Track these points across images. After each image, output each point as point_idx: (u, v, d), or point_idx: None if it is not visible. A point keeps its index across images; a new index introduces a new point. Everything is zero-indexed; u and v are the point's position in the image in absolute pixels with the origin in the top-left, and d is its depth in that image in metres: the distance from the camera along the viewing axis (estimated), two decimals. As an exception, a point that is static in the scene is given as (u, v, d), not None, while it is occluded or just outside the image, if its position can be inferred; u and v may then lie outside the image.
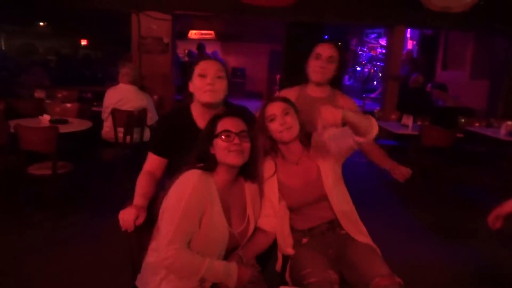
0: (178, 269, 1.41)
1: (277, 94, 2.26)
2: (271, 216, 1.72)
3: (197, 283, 1.46)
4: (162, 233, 1.43)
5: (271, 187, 1.75)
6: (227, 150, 1.50)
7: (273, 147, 1.79)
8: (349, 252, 1.68)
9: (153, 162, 1.87)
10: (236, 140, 1.50)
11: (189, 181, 1.47)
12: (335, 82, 2.24)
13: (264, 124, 1.75)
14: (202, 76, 1.78)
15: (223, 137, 1.51)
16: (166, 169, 1.90)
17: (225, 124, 1.54)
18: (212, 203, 1.49)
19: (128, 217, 1.62)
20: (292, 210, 1.80)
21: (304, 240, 1.77)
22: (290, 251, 1.72)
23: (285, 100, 1.79)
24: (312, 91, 2.24)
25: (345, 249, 1.71)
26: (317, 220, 1.77)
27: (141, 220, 1.63)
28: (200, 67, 1.80)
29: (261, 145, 1.74)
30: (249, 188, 1.67)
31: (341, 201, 1.76)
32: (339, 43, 2.19)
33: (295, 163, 1.79)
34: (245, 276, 1.46)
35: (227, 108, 1.89)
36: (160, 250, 1.41)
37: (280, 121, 1.71)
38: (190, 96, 1.87)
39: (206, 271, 1.40)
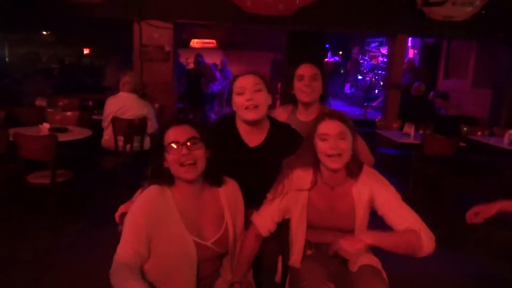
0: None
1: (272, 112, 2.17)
2: (276, 223, 1.67)
3: None
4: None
5: (298, 199, 1.63)
6: (178, 163, 1.41)
7: (314, 163, 1.62)
8: (350, 273, 1.62)
9: None
10: (185, 151, 1.41)
11: (140, 199, 1.44)
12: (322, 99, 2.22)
13: (314, 138, 1.58)
14: (240, 94, 1.74)
15: (170, 149, 1.42)
16: None
17: (171, 134, 1.45)
18: (168, 217, 1.42)
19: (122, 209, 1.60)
20: (308, 225, 1.69)
21: (309, 252, 1.71)
22: (298, 265, 1.66)
23: (345, 120, 1.57)
24: (300, 114, 2.21)
25: (347, 270, 1.64)
26: (329, 241, 1.65)
27: None
28: (237, 85, 1.77)
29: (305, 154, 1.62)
30: (225, 192, 1.58)
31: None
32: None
33: (330, 187, 1.64)
34: None
35: (272, 125, 1.84)
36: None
37: (332, 145, 1.51)
38: (234, 113, 1.85)
39: None
